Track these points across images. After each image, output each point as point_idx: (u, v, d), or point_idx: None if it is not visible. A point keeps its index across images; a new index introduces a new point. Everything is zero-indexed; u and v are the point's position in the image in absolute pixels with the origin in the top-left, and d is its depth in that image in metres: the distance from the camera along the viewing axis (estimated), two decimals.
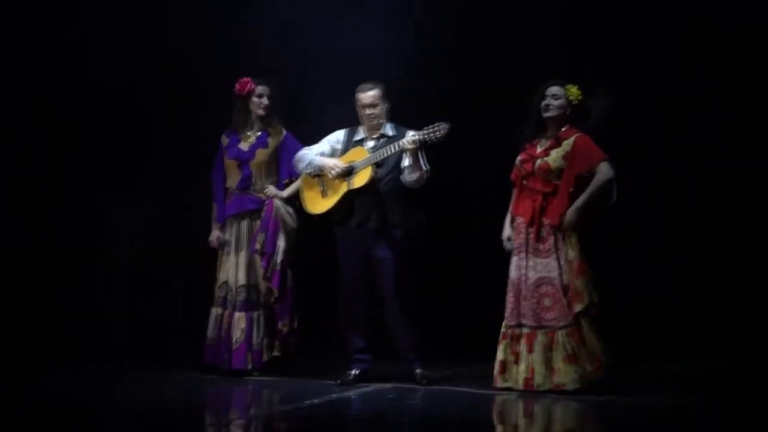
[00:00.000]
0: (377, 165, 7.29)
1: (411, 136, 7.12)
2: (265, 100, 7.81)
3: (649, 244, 8.56)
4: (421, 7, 8.82)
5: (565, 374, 6.90)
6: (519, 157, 7.20)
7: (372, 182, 7.28)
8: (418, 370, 7.31)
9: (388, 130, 7.41)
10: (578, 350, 6.90)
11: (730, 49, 8.41)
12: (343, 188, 7.37)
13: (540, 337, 6.98)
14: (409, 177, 7.25)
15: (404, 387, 7.24)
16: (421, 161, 7.20)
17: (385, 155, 7.24)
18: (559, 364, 6.92)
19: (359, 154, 7.36)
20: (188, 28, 8.91)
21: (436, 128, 7.03)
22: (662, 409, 6.67)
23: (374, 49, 8.38)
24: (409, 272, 7.39)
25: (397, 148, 7.16)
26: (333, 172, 7.36)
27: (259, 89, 7.81)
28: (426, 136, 7.06)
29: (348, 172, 7.34)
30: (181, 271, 9.26)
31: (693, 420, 6.44)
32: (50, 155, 9.04)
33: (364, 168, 7.29)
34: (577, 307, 6.91)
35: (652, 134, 8.54)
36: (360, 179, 7.31)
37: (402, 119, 7.41)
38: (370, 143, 7.40)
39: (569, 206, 6.97)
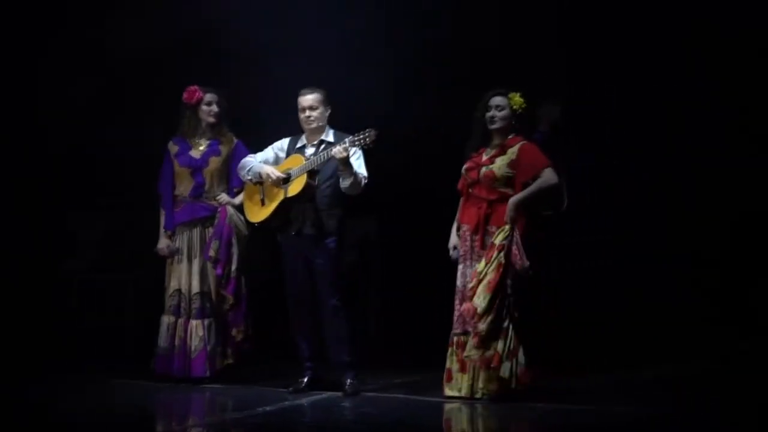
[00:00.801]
0: (314, 172, 7.26)
1: (340, 144, 7.11)
2: (214, 108, 7.80)
3: (649, 244, 8.59)
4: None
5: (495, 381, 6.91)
6: (465, 166, 7.22)
7: (306, 190, 7.24)
8: (348, 381, 7.28)
9: (330, 136, 7.38)
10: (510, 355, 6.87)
11: (731, 49, 8.46)
12: (280, 196, 7.34)
13: None
14: (342, 184, 7.23)
15: (335, 395, 7.22)
16: (354, 168, 7.17)
17: (318, 162, 7.22)
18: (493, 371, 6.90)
19: (296, 161, 7.35)
20: (143, 35, 8.93)
21: (365, 135, 7.01)
22: (609, 416, 6.69)
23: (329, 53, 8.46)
24: (346, 280, 7.42)
25: (327, 156, 7.15)
26: (269, 180, 7.36)
27: (208, 97, 7.80)
28: (354, 143, 7.05)
29: (285, 180, 7.34)
30: (132, 280, 9.25)
31: (640, 428, 6.45)
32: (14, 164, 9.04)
33: (299, 176, 7.27)
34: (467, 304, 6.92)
35: (652, 134, 8.60)
36: (295, 187, 7.27)
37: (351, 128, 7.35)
38: (310, 150, 7.39)
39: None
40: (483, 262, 6.92)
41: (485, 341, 6.83)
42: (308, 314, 7.40)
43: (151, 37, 8.91)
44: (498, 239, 6.92)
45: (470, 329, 6.90)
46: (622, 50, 8.59)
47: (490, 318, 6.82)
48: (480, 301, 6.84)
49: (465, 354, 6.91)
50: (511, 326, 6.85)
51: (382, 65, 8.80)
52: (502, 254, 6.87)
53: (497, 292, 6.84)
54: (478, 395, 6.96)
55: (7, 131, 9.06)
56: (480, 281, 6.87)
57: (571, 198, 8.08)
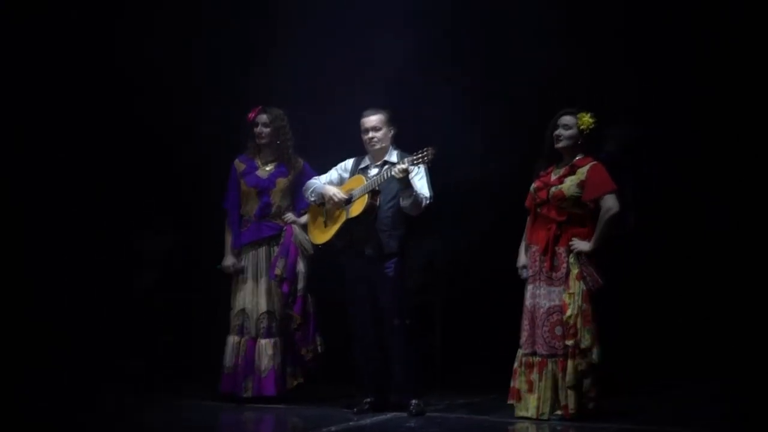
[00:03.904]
0: (375, 193, 7.24)
1: (399, 163, 7.10)
2: (264, 129, 7.78)
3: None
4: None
5: (570, 401, 6.92)
6: (534, 185, 7.21)
7: (368, 210, 7.22)
8: (413, 401, 7.26)
9: (393, 157, 7.37)
10: (579, 378, 6.92)
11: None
12: (342, 217, 7.34)
13: (550, 366, 6.99)
14: (402, 204, 7.22)
15: (399, 416, 7.22)
16: (415, 188, 7.14)
17: (379, 182, 7.20)
18: (565, 391, 6.93)
19: (358, 182, 7.34)
20: (210, 57, 9.01)
21: (423, 154, 6.98)
22: None
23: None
24: (411, 301, 7.42)
25: (388, 176, 7.13)
26: (331, 200, 7.37)
27: (260, 117, 7.80)
28: (413, 162, 7.03)
29: (347, 201, 7.34)
30: (199, 299, 9.30)
31: None
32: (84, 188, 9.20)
33: (361, 196, 7.25)
34: (569, 342, 6.93)
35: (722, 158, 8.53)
36: (356, 208, 7.26)
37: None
38: (374, 170, 7.37)
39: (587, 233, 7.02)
40: (567, 296, 6.93)
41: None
42: (373, 335, 7.38)
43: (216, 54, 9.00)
44: (574, 269, 6.93)
45: (579, 360, 6.92)
46: (695, 71, 8.50)
47: (597, 345, 6.90)
48: (585, 339, 6.89)
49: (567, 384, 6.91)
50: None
51: (449, 83, 8.77)
52: (582, 283, 6.93)
53: (594, 319, 6.90)
54: (545, 417, 6.93)
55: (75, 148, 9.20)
56: (576, 317, 6.90)
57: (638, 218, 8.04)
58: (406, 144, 7.39)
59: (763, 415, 7.16)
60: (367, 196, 7.22)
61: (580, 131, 7.10)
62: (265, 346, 7.69)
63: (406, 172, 7.03)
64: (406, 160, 7.05)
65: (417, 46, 8.62)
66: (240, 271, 7.80)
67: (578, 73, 8.61)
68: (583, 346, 6.87)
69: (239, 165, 7.90)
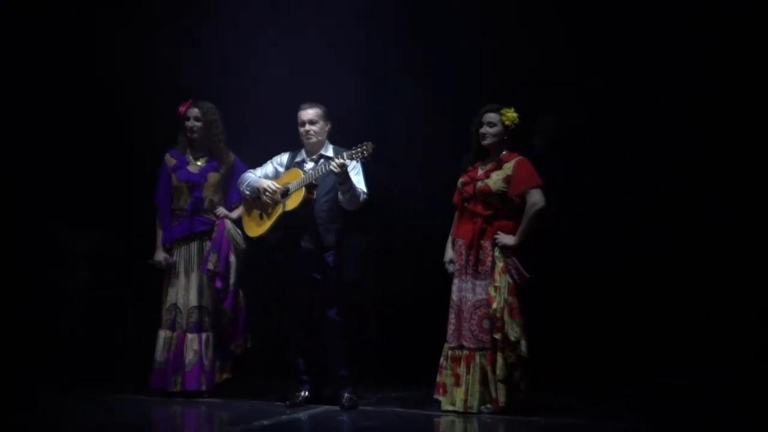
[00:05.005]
0: (312, 186, 7.25)
1: (337, 157, 7.12)
2: (195, 123, 7.74)
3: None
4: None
5: (500, 394, 6.96)
6: (461, 180, 7.26)
7: (305, 203, 7.24)
8: (346, 394, 7.29)
9: (329, 151, 7.39)
10: (509, 371, 6.97)
11: (738, 58, 8.46)
12: (278, 210, 7.34)
13: (478, 359, 7.03)
14: (340, 198, 7.25)
15: (332, 409, 7.25)
16: (352, 183, 7.17)
17: (316, 176, 7.21)
18: (495, 384, 6.97)
19: (295, 176, 7.34)
20: (140, 53, 8.97)
21: (362, 148, 7.01)
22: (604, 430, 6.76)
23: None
24: (346, 295, 7.42)
25: (325, 170, 7.15)
26: (267, 193, 7.37)
27: (191, 111, 7.76)
28: (352, 157, 7.05)
29: (283, 194, 7.34)
30: (128, 295, 9.26)
31: None
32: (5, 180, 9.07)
33: (298, 189, 7.26)
34: (496, 335, 6.97)
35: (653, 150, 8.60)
36: (293, 201, 7.27)
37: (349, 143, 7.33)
38: (309, 164, 7.39)
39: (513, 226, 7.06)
40: (492, 289, 6.96)
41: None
42: (307, 328, 7.40)
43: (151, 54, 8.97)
44: (500, 263, 6.97)
45: (508, 353, 6.95)
46: (627, 66, 8.58)
47: (524, 338, 6.93)
48: (513, 331, 6.92)
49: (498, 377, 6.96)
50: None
51: (382, 81, 8.81)
52: (507, 276, 6.97)
53: (521, 312, 6.94)
54: (473, 410, 6.97)
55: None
56: (503, 310, 6.93)
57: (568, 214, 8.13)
58: (342, 142, 7.41)
59: (689, 408, 7.32)
60: (304, 189, 7.22)
61: (505, 127, 7.15)
62: (192, 340, 7.67)
63: (345, 166, 7.05)
64: (344, 154, 7.07)
65: (355, 43, 8.66)
66: (172, 265, 7.77)
67: (504, 65, 8.69)
68: (512, 338, 6.92)
69: (170, 160, 7.86)
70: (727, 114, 8.37)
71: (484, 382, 7.01)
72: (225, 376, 7.74)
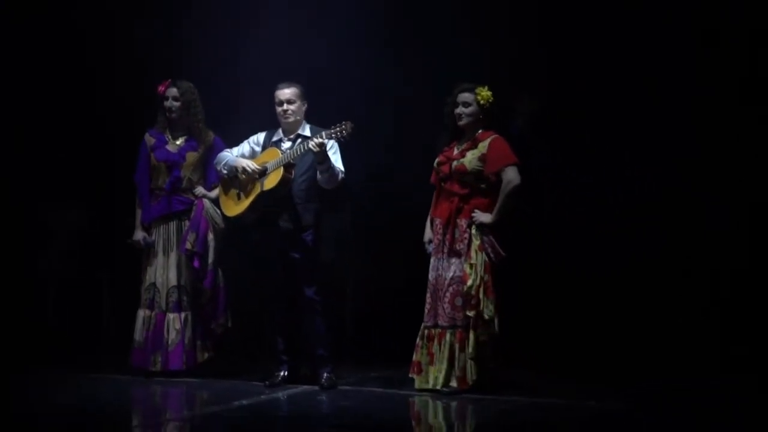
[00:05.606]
0: (290, 166, 7.25)
1: (316, 137, 7.12)
2: (174, 103, 7.73)
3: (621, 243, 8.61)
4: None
5: (469, 372, 6.99)
6: (437, 159, 7.27)
7: (282, 183, 7.23)
8: (325, 374, 7.31)
9: (306, 130, 7.39)
10: (480, 349, 6.99)
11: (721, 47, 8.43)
12: (256, 190, 7.34)
13: (448, 337, 7.05)
14: (319, 178, 7.25)
15: (311, 389, 7.26)
16: (331, 162, 7.17)
17: (294, 155, 7.21)
18: (465, 362, 7.00)
19: (272, 155, 7.33)
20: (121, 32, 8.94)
21: (341, 127, 7.00)
22: (578, 410, 6.77)
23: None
24: (325, 274, 7.44)
25: (303, 149, 7.15)
26: (245, 173, 7.36)
27: (170, 91, 7.74)
28: (330, 136, 7.05)
29: (261, 174, 7.33)
30: (107, 274, 9.25)
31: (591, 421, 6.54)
32: None
33: (276, 169, 7.26)
34: (470, 313, 6.99)
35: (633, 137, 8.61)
36: (271, 180, 7.27)
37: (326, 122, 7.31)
38: (287, 144, 7.38)
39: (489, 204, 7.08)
40: (468, 266, 6.96)
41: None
42: (285, 308, 7.42)
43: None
44: (476, 240, 6.98)
45: (481, 331, 6.97)
46: (608, 49, 8.58)
47: (496, 317, 6.96)
48: (488, 310, 6.94)
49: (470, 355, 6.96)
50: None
51: (360, 61, 8.79)
52: (483, 254, 6.98)
53: (496, 290, 6.96)
54: (444, 388, 7.01)
55: None
56: (479, 288, 6.94)
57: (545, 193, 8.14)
58: (319, 122, 7.40)
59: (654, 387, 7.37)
60: (282, 168, 7.22)
61: (480, 106, 7.15)
62: (173, 320, 7.68)
63: (323, 145, 7.04)
64: (323, 133, 7.07)
65: (333, 24, 8.65)
66: (150, 244, 7.77)
67: (484, 46, 8.67)
68: (486, 316, 6.94)
69: (149, 139, 7.85)
70: (727, 114, 8.34)
71: (451, 360, 7.04)
72: (207, 354, 7.75)
